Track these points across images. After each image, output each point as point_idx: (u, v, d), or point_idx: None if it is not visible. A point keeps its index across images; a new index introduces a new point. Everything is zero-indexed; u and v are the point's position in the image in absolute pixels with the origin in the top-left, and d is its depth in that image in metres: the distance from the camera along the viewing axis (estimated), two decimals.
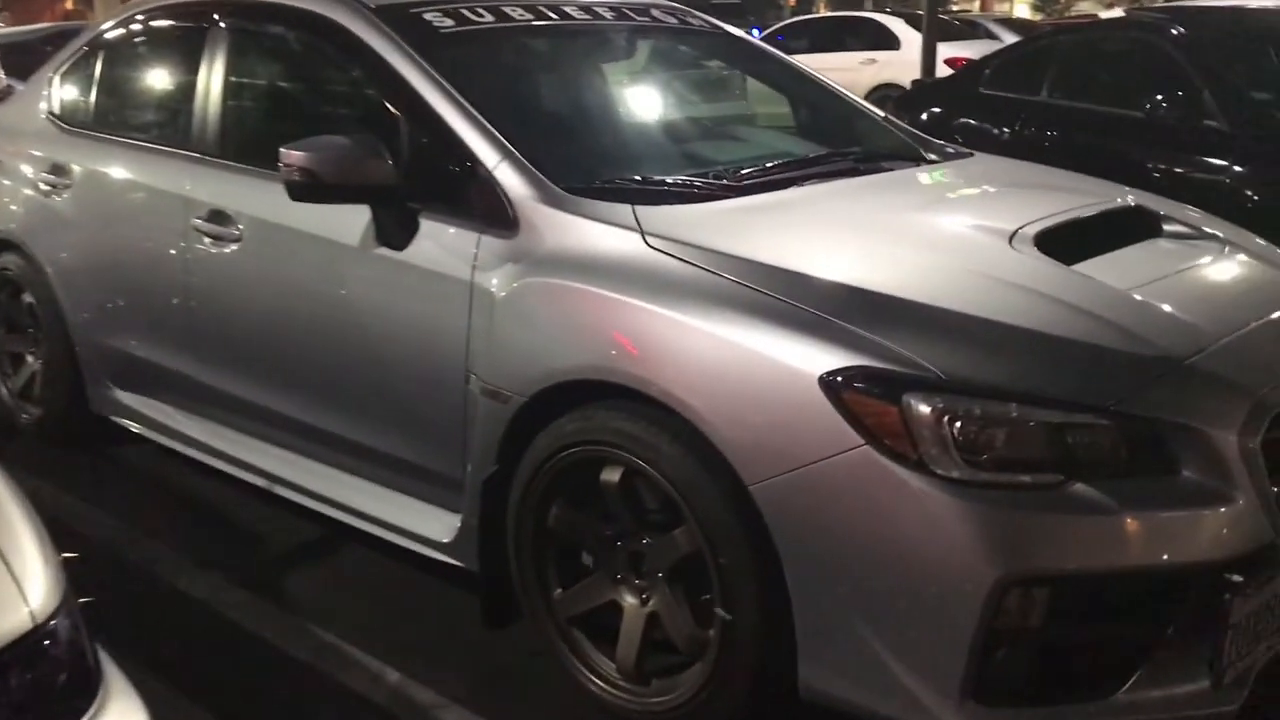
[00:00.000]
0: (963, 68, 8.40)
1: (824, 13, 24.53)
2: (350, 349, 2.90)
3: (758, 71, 4.04)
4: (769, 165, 2.93)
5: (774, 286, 2.24)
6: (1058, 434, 2.02)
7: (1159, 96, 5.55)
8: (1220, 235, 2.84)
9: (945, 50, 12.47)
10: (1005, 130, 6.60)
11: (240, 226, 3.15)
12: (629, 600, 2.45)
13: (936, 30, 11.52)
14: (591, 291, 2.40)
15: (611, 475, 2.37)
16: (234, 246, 3.17)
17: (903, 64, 13.42)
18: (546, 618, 2.56)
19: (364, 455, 2.99)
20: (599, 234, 2.49)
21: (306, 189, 2.70)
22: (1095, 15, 19.65)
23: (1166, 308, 2.29)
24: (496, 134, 2.70)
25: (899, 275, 2.31)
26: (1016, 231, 2.50)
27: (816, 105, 3.77)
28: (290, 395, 3.15)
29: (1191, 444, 2.06)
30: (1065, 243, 2.49)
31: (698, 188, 2.72)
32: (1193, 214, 3.02)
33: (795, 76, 3.79)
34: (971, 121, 6.99)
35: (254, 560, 3.31)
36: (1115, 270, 2.44)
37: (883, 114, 3.74)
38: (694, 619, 2.33)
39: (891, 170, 3.09)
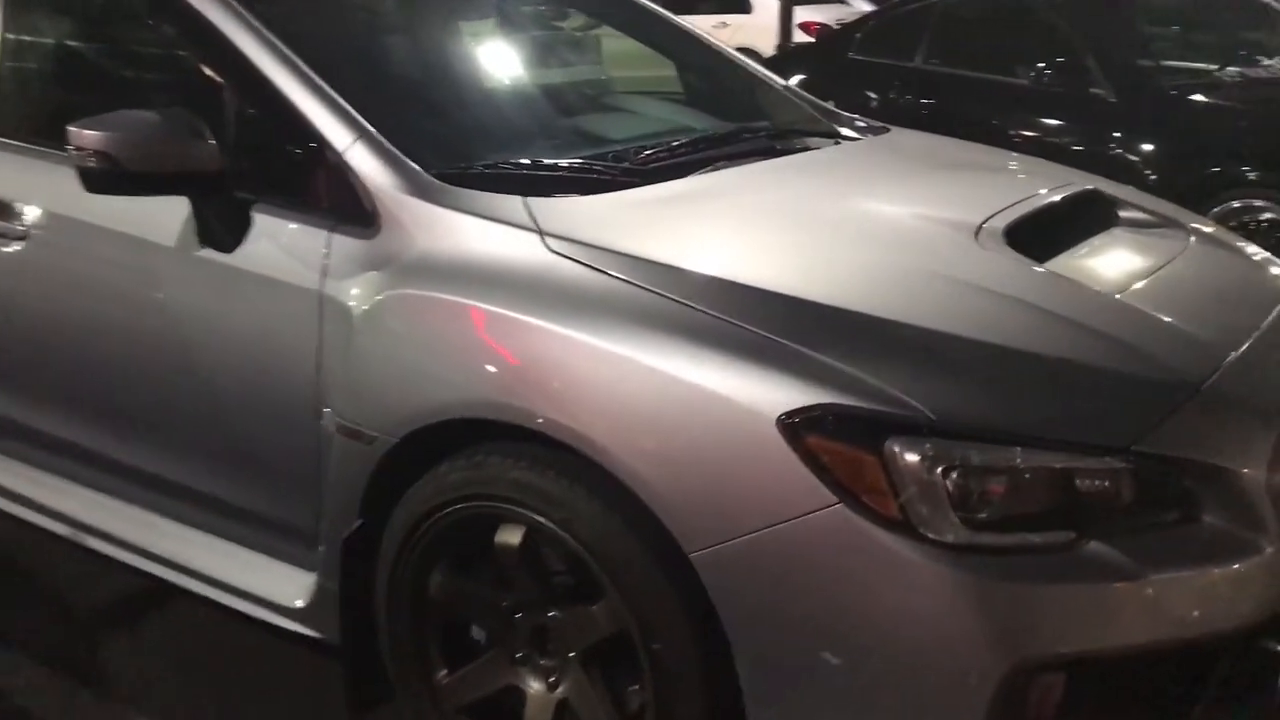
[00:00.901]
0: (833, 32, 8.10)
1: None
2: (169, 374, 2.33)
3: (636, 30, 3.56)
4: (675, 145, 2.48)
5: (713, 302, 1.79)
6: (1069, 482, 1.65)
7: (1042, 64, 5.34)
8: (1179, 220, 2.54)
9: (799, 14, 12.22)
10: (877, 98, 6.33)
11: (24, 222, 2.53)
12: (533, 685, 1.99)
13: None
14: (480, 308, 1.91)
15: (510, 537, 1.91)
16: (16, 246, 2.55)
17: (756, 28, 13.12)
18: (429, 706, 2.08)
19: (195, 501, 2.44)
20: (484, 234, 2.00)
21: (105, 178, 2.12)
22: None
23: (1165, 317, 1.94)
24: (347, 107, 2.17)
25: (861, 284, 1.90)
26: (982, 225, 2.12)
27: (710, 72, 3.33)
28: (97, 427, 2.56)
29: (1214, 484, 1.72)
30: (1033, 237, 2.13)
31: (599, 173, 2.25)
32: (1142, 196, 2.72)
33: (682, 38, 3.34)
34: (841, 88, 6.69)
35: (56, 631, 2.72)
36: (1092, 269, 2.09)
37: (783, 82, 3.33)
38: (616, 711, 1.90)
39: (813, 149, 2.67)
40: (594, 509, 1.78)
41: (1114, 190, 2.63)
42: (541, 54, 3.25)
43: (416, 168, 2.10)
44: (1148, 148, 4.90)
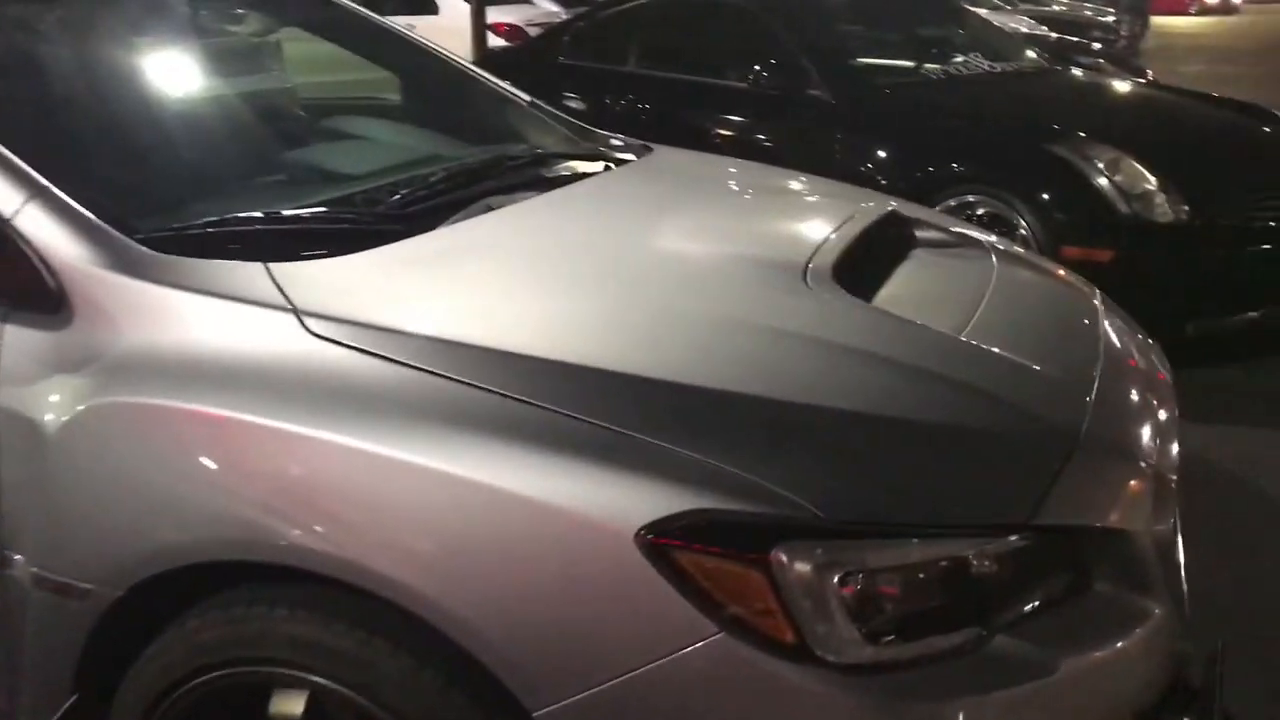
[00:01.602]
0: (539, 34, 7.80)
1: None
2: None
3: (343, 38, 3.10)
4: (434, 181, 2.10)
5: (532, 388, 1.44)
6: (969, 571, 1.42)
7: (758, 66, 5.26)
8: (974, 237, 2.41)
9: (488, 15, 11.88)
10: (589, 104, 6.09)
11: None
12: None
13: None
14: (220, 416, 1.47)
15: (289, 706, 1.48)
16: None
17: (445, 30, 12.58)
18: None
19: None
20: (219, 317, 1.55)
21: None
22: None
23: (1018, 358, 1.76)
24: (11, 157, 1.66)
25: (704, 352, 1.60)
26: (808, 264, 1.87)
27: (446, 88, 2.95)
28: None
29: (1105, 548, 1.55)
30: (857, 272, 1.91)
31: (354, 223, 1.84)
32: (931, 214, 2.58)
33: (401, 46, 2.94)
34: (553, 94, 6.42)
35: None
36: (924, 305, 1.89)
37: (528, 98, 3.00)
38: None
39: (587, 177, 2.35)
40: (401, 666, 1.39)
41: (908, 209, 2.48)
42: (250, 72, 2.76)
43: (116, 233, 1.62)
44: (869, 149, 4.92)
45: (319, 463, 1.42)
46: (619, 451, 1.37)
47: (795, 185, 2.60)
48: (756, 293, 1.78)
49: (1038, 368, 1.74)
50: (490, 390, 1.43)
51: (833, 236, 2.02)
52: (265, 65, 3.47)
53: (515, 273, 1.78)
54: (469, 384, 1.44)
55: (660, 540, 1.31)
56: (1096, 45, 10.76)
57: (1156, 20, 30.03)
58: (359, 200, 1.96)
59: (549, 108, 2.96)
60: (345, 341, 1.50)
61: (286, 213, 1.83)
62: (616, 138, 2.86)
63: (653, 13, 6.17)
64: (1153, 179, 4.28)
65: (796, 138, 5.20)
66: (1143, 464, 1.66)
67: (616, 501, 1.33)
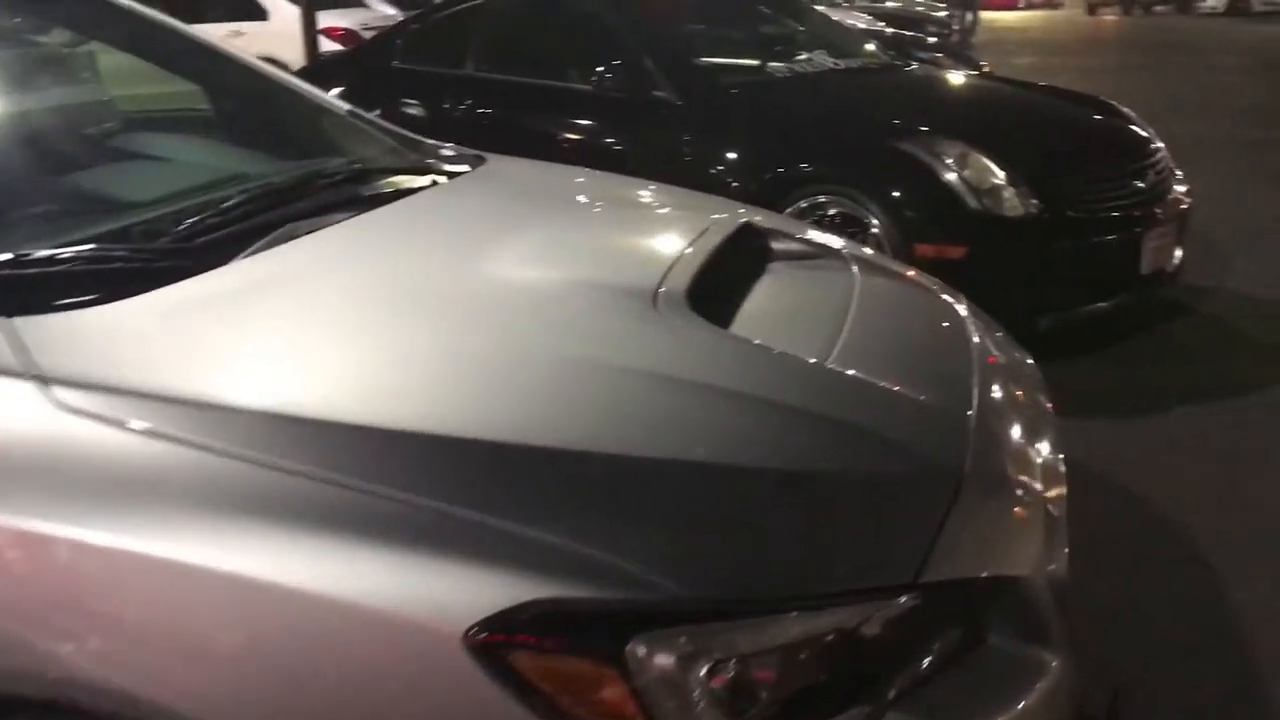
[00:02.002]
0: (372, 39, 7.45)
1: None
2: None
3: (135, 45, 2.77)
4: (230, 206, 1.83)
5: (334, 460, 1.21)
6: (854, 644, 1.24)
7: (601, 68, 5.07)
8: (832, 247, 2.25)
9: (320, 20, 11.42)
10: (428, 110, 5.82)
11: None
12: None
13: None
14: None
15: None
16: None
17: (275, 36, 12.14)
18: None
19: None
20: None
21: None
22: None
23: (893, 386, 1.60)
24: None
25: (537, 401, 1.38)
26: (659, 289, 1.67)
27: (249, 97, 2.66)
28: None
29: (999, 597, 1.39)
30: (713, 295, 1.72)
31: (124, 261, 1.57)
32: (787, 223, 2.42)
33: (204, 55, 2.64)
34: (388, 101, 6.12)
35: None
36: (786, 330, 1.72)
37: (346, 106, 2.73)
38: None
39: (409, 195, 2.11)
40: None
41: (763, 219, 2.30)
42: (32, 88, 2.42)
43: None
44: (718, 151, 4.78)
45: (68, 569, 1.15)
46: (439, 533, 1.15)
47: (643, 197, 2.41)
48: (603, 325, 1.58)
49: (911, 394, 1.59)
50: (285, 469, 1.19)
51: (685, 255, 1.83)
52: (63, 79, 3.13)
53: (318, 314, 1.53)
54: (258, 462, 1.19)
55: (493, 639, 1.10)
56: (931, 39, 10.92)
57: (987, 15, 31.11)
58: (137, 232, 1.68)
59: (371, 117, 2.70)
60: (102, 414, 1.23)
61: (40, 253, 1.53)
62: (447, 148, 2.63)
63: (490, 13, 5.93)
64: (1000, 173, 4.25)
65: (644, 141, 5.03)
66: (1031, 498, 1.52)
67: (438, 595, 1.11)
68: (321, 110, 2.59)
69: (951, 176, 4.25)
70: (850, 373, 1.59)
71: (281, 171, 2.16)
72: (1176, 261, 4.72)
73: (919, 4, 21.27)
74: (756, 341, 1.61)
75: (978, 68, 8.70)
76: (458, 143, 5.60)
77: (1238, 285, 5.36)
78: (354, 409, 1.28)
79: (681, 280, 1.70)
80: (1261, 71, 16.64)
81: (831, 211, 4.49)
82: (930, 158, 4.30)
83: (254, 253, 1.67)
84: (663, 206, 2.34)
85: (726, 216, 2.14)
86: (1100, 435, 3.69)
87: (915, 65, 6.22)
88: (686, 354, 1.52)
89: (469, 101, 5.69)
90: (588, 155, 5.14)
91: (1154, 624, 2.62)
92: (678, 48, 5.29)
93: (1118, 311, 4.46)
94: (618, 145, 5.11)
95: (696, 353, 1.53)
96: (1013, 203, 4.21)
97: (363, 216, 1.92)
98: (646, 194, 2.44)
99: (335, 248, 1.76)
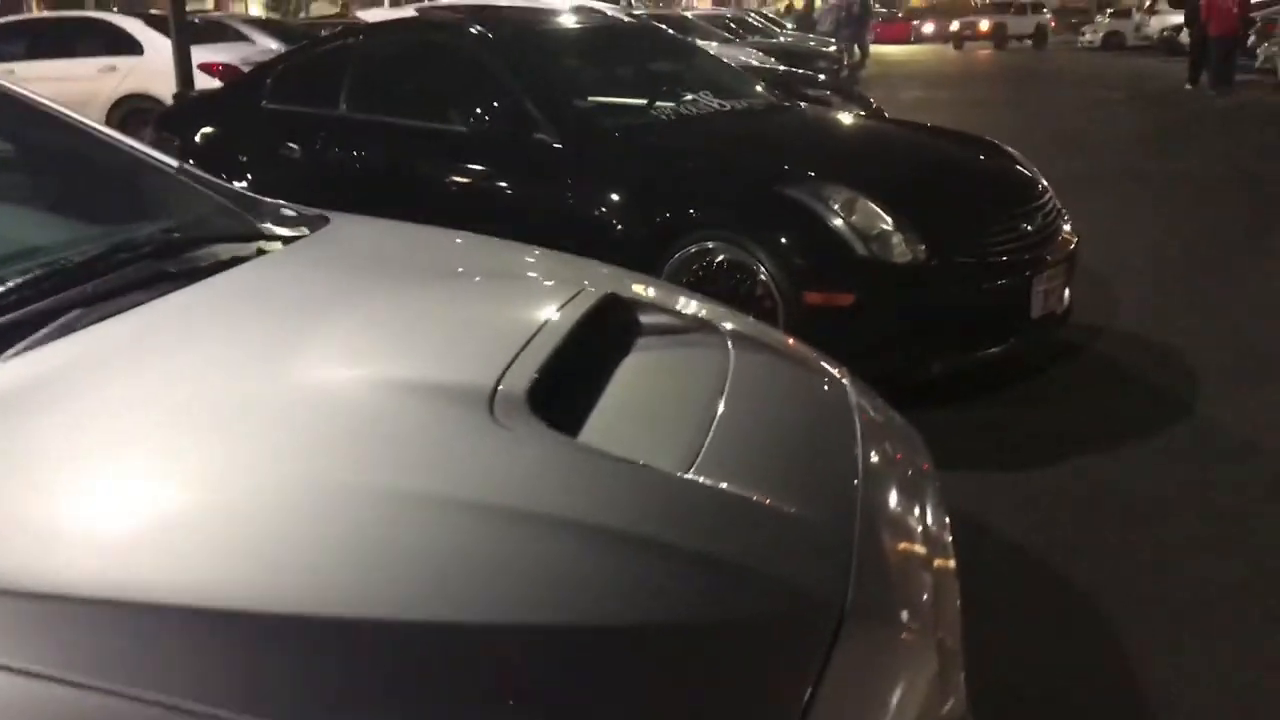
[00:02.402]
0: (240, 77, 7.14)
1: (40, 13, 21.28)
2: None
3: None
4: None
5: (47, 651, 0.96)
6: None
7: (480, 109, 4.86)
8: (708, 319, 2.05)
9: (197, 54, 11.03)
10: (300, 152, 5.56)
11: None
12: None
13: (188, 32, 10.01)
14: None
15: None
16: None
17: (150, 71, 11.71)
18: None
19: None
20: None
21: None
22: (348, 16, 19.17)
23: (765, 498, 1.40)
24: None
25: (333, 552, 1.13)
26: (497, 388, 1.45)
27: (56, 154, 2.38)
28: None
29: None
30: (561, 391, 1.51)
31: None
32: (661, 288, 2.22)
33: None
34: (258, 142, 5.83)
35: None
36: (647, 429, 1.51)
37: (175, 163, 2.47)
38: None
39: (225, 270, 1.85)
40: None
41: (629, 284, 2.10)
42: None
43: None
44: (602, 196, 4.60)
45: None
46: None
47: (500, 264, 2.18)
48: (421, 444, 1.33)
49: (786, 507, 1.39)
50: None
51: (535, 341, 1.60)
52: None
53: (72, 441, 1.27)
54: None
55: None
56: (821, 76, 10.96)
57: (877, 49, 31.71)
58: None
59: (203, 174, 2.45)
60: None
61: None
62: (289, 208, 2.39)
63: (364, 52, 5.69)
64: (888, 219, 4.14)
65: (524, 185, 4.83)
66: (923, 631, 1.33)
67: None
68: (142, 167, 2.33)
69: (839, 223, 4.13)
70: (716, 485, 1.38)
71: (80, 243, 1.88)
72: (1066, 303, 4.67)
73: (810, 39, 21.56)
74: (608, 452, 1.39)
75: (867, 104, 8.70)
76: (331, 187, 5.36)
77: (1126, 324, 5.36)
78: (90, 579, 1.03)
79: (525, 376, 1.47)
80: (1140, 105, 17.16)
81: (719, 258, 4.33)
82: (817, 203, 4.18)
83: (17, 353, 1.41)
84: (520, 276, 2.11)
85: (589, 288, 1.92)
86: (992, 485, 3.57)
87: (804, 105, 6.14)
88: (521, 477, 1.29)
89: (342, 144, 5.44)
90: (466, 200, 4.93)
91: (1056, 692, 2.48)
92: (559, 89, 5.11)
93: (1009, 356, 4.39)
94: (497, 189, 4.91)
95: (534, 474, 1.30)
96: (901, 249, 4.11)
97: (165, 299, 1.67)
98: (504, 260, 2.21)
99: (116, 344, 1.50)
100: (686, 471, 1.39)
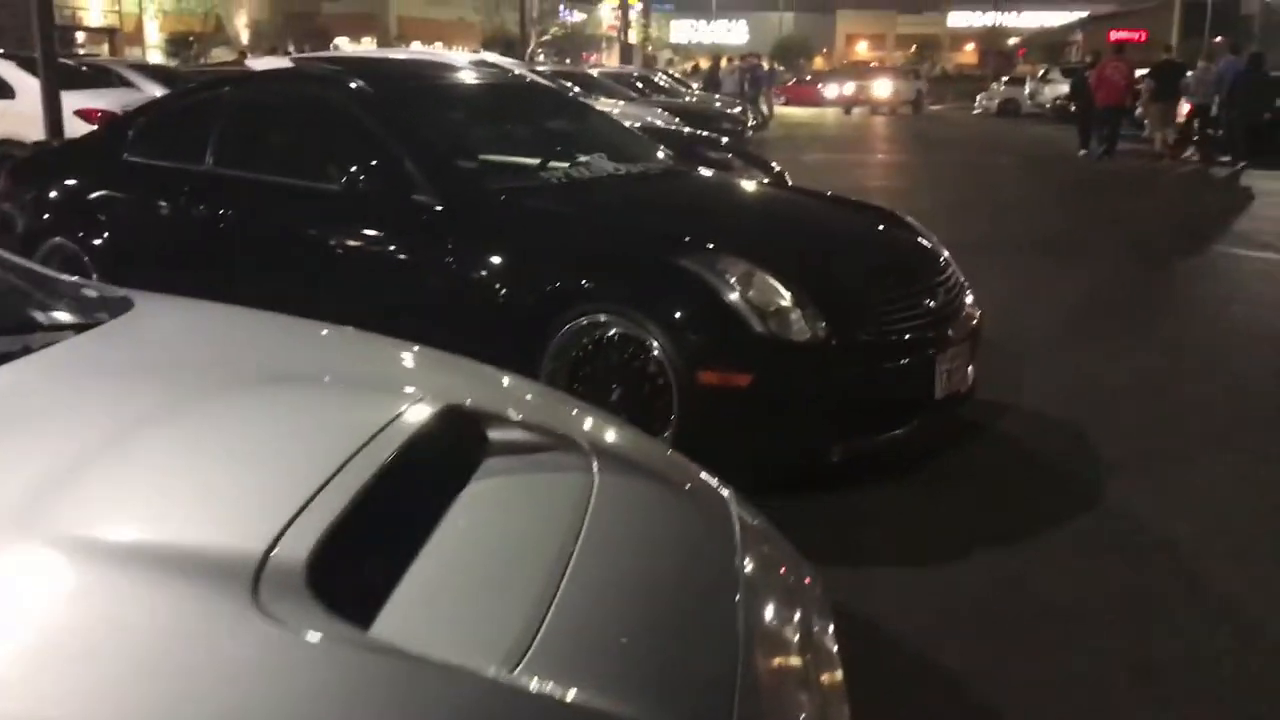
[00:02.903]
0: (100, 127, 6.70)
1: None
2: None
3: None
4: None
5: None
6: None
7: (354, 167, 4.53)
8: (569, 433, 1.74)
9: (75, 100, 10.50)
10: (164, 209, 5.17)
11: None
12: None
13: (57, 75, 9.47)
14: None
15: None
16: None
17: (22, 117, 11.11)
18: None
19: None
20: None
21: None
22: (242, 63, 18.66)
23: (617, 703, 1.09)
24: None
25: None
26: (268, 556, 1.11)
27: None
28: None
29: None
30: (359, 555, 1.18)
31: None
32: (521, 389, 1.91)
33: None
34: (119, 197, 5.43)
35: None
36: (473, 603, 1.19)
37: None
38: None
39: None
40: None
41: (483, 388, 1.78)
42: None
43: None
44: (486, 261, 4.28)
45: None
46: None
47: (320, 362, 1.82)
48: (153, 654, 0.98)
49: (644, 712, 1.08)
50: None
51: (338, 478, 1.27)
52: None
53: None
54: None
55: None
56: (725, 139, 10.85)
57: (781, 110, 32.10)
58: None
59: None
60: None
61: None
62: (92, 288, 2.04)
63: (235, 103, 5.32)
64: (787, 294, 3.91)
65: (402, 249, 4.50)
66: None
67: None
68: None
69: (735, 297, 3.88)
70: (550, 693, 1.06)
71: None
72: (970, 381, 4.49)
73: (716, 100, 21.60)
74: (408, 649, 1.06)
75: (769, 168, 8.56)
76: (193, 250, 4.95)
77: (1031, 401, 5.20)
78: None
79: (312, 533, 1.14)
80: (1037, 170, 17.51)
81: (611, 332, 4.05)
82: (712, 276, 3.93)
83: None
84: (342, 381, 1.76)
85: (424, 398, 1.59)
86: (886, 582, 3.32)
87: (703, 171, 5.93)
88: (281, 699, 0.96)
89: (206, 202, 5.05)
90: (337, 264, 4.59)
91: None
92: (441, 147, 4.80)
93: (912, 438, 4.17)
94: (371, 253, 4.58)
95: (301, 693, 0.97)
96: (800, 326, 3.87)
97: None
98: (329, 358, 1.86)
99: None
100: (515, 668, 1.07)
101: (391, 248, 4.54)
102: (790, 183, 8.37)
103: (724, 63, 30.15)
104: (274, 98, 5.28)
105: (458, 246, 4.38)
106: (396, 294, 4.49)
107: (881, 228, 4.87)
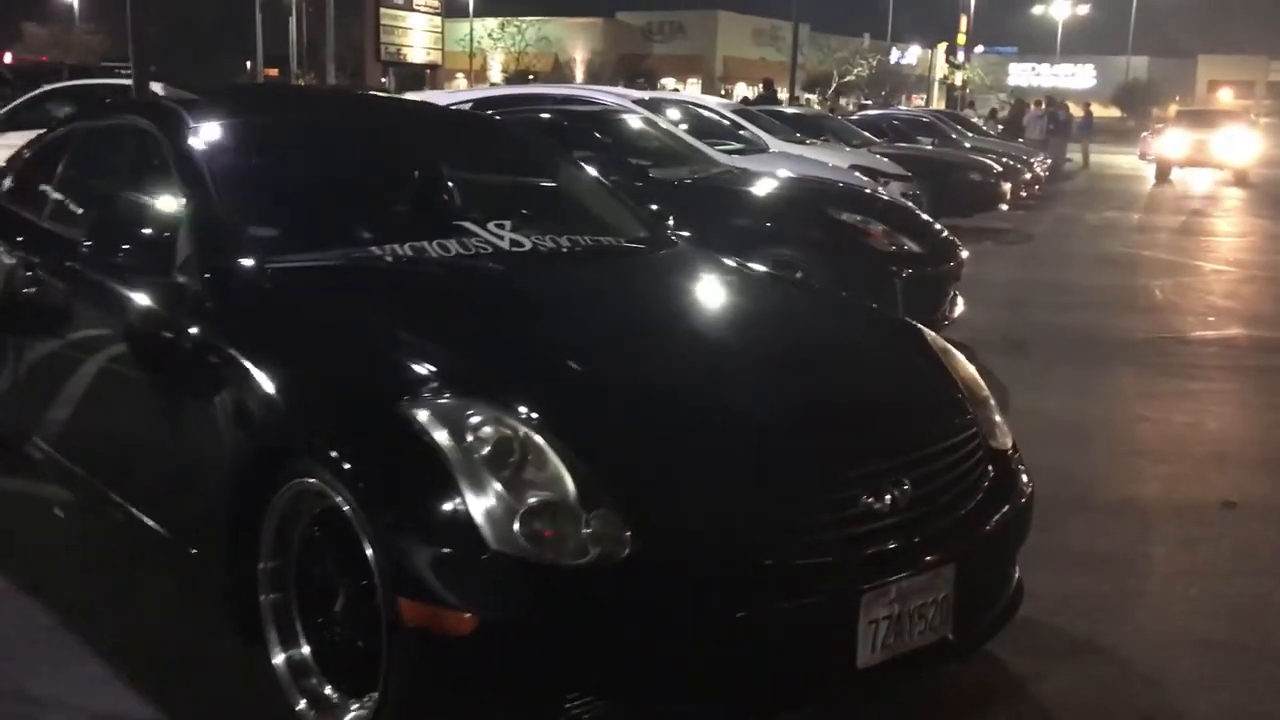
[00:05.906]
0: None
1: None
2: None
3: None
4: None
5: None
6: None
7: (119, 222, 3.30)
8: None
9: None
10: (31, 274, 4.08)
11: None
12: None
13: None
14: None
15: None
16: None
17: None
18: None
19: None
20: None
21: None
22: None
23: None
24: None
25: None
26: None
27: None
28: None
29: None
30: None
31: None
32: None
33: None
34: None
35: None
36: None
37: None
38: None
39: None
40: None
41: None
42: None
43: None
44: (210, 377, 2.87)
45: None
46: None
47: None
48: None
49: None
50: None
51: None
52: None
53: None
54: None
55: None
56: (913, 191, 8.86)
57: (1104, 160, 28.33)
58: None
59: None
60: None
61: None
62: None
63: (81, 141, 4.23)
64: (567, 477, 2.27)
65: (136, 348, 3.20)
66: None
67: None
68: None
69: (465, 472, 2.28)
70: None
71: None
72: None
73: (985, 147, 19.06)
74: None
75: (953, 251, 6.69)
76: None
77: None
78: None
79: None
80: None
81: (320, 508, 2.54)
82: (442, 434, 2.33)
83: None
84: None
85: None
86: None
87: (674, 251, 4.23)
88: None
89: (40, 264, 3.95)
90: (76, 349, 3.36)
91: None
92: (242, 205, 3.38)
93: None
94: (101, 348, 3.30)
95: None
96: (582, 537, 2.21)
97: None
98: None
99: None
100: None
101: (123, 347, 3.23)
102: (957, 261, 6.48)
103: (1032, 106, 27.29)
104: (115, 134, 4.10)
105: (195, 348, 2.99)
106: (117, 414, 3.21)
107: (854, 356, 3.04)
